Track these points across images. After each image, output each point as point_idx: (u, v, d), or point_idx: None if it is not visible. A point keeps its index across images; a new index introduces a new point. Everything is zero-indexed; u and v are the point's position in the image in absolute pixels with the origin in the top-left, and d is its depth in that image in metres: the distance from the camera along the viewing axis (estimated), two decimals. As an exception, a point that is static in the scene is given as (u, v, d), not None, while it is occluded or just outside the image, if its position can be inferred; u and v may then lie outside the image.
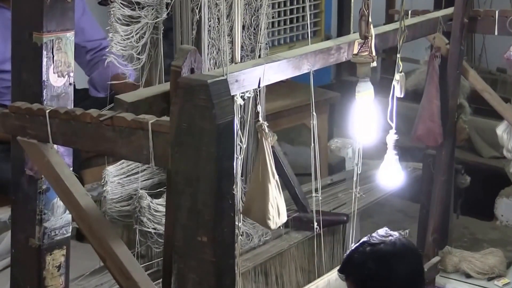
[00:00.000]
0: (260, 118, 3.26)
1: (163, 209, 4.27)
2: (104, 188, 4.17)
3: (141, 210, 4.23)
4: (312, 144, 4.19)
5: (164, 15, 3.90)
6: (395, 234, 2.86)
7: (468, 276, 5.60)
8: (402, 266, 2.76)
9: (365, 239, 2.87)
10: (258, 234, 5.02)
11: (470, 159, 7.61)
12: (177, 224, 2.50)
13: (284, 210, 3.42)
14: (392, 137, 3.88)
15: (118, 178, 4.22)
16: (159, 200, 4.29)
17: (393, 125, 3.86)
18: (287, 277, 5.27)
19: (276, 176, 3.34)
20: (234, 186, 2.43)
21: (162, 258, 3.89)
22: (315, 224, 4.52)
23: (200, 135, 2.40)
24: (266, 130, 3.21)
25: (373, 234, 2.87)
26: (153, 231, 4.27)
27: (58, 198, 3.06)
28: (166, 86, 2.79)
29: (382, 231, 2.88)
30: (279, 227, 5.07)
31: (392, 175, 3.96)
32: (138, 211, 4.24)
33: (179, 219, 2.48)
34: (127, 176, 4.27)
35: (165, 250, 3.13)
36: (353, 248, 2.89)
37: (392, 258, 2.76)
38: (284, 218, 3.41)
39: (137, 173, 4.32)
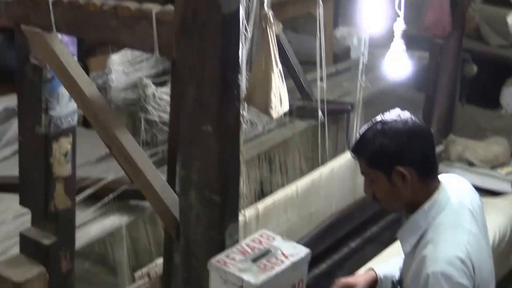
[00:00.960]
0: (265, 7, 3.22)
1: (167, 97, 4.28)
2: (109, 76, 4.17)
3: (146, 98, 4.25)
4: (318, 33, 4.16)
5: None
6: (407, 113, 2.85)
7: (472, 164, 5.63)
8: (413, 143, 2.75)
9: (377, 118, 2.86)
10: (262, 122, 5.05)
11: (478, 48, 7.53)
12: (182, 113, 2.50)
13: (286, 99, 3.42)
14: (399, 26, 3.85)
15: (122, 66, 4.22)
16: (164, 88, 4.29)
17: (401, 13, 3.82)
18: (290, 164, 5.32)
19: (280, 65, 3.33)
20: (239, 76, 2.43)
21: (167, 146, 3.93)
22: (319, 112, 4.53)
23: (205, 24, 2.37)
24: (271, 19, 3.17)
25: (385, 114, 2.86)
26: (157, 119, 4.29)
27: (63, 87, 3.06)
28: (170, -26, 2.75)
29: (394, 111, 2.87)
30: (283, 115, 5.11)
31: (398, 65, 3.94)
32: (143, 100, 4.25)
33: (184, 108, 2.48)
34: (132, 64, 4.26)
35: (170, 138, 3.16)
36: (365, 128, 2.88)
37: (403, 134, 2.75)
38: (286, 107, 3.42)
39: (141, 61, 4.31)
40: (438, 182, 2.87)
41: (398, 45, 3.89)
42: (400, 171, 2.76)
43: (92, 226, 4.12)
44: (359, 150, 2.88)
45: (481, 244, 2.81)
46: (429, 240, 2.77)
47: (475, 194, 3.00)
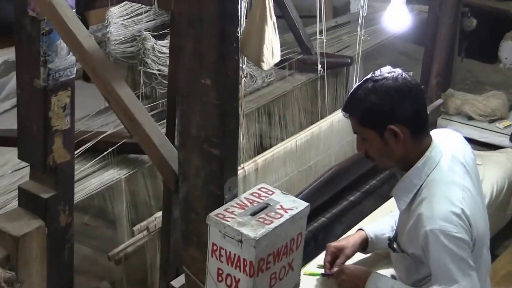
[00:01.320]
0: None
1: (167, 50, 4.25)
2: (108, 30, 4.15)
3: (145, 51, 4.22)
4: (318, -15, 4.14)
5: None
6: (398, 70, 2.83)
7: (470, 118, 5.65)
8: (405, 100, 2.74)
9: (368, 76, 2.85)
10: (262, 76, 5.03)
11: (477, 1, 7.49)
12: (181, 66, 2.48)
13: (279, 51, 3.40)
14: (398, -21, 3.83)
15: (121, 19, 4.19)
16: (163, 41, 4.27)
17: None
18: (290, 118, 5.32)
19: (274, 17, 3.30)
20: (238, 29, 2.41)
21: (166, 99, 3.92)
22: (319, 66, 4.51)
23: (203, -25, 2.35)
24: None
25: (376, 72, 2.85)
26: (157, 72, 4.27)
27: (62, 40, 3.04)
28: None
29: (385, 68, 2.85)
30: (283, 68, 5.10)
31: (398, 18, 3.92)
32: (142, 53, 4.23)
33: (182, 61, 2.46)
34: (131, 17, 4.23)
35: (169, 92, 3.15)
36: (356, 85, 2.87)
37: (393, 91, 2.74)
38: (277, 59, 3.40)
39: (140, 13, 4.27)
40: (430, 138, 2.87)
41: (398, -2, 3.87)
42: (393, 129, 2.76)
43: (91, 180, 4.11)
44: (350, 109, 2.87)
45: (475, 198, 2.83)
46: (424, 198, 2.79)
47: (468, 147, 3.01)
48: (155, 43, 4.23)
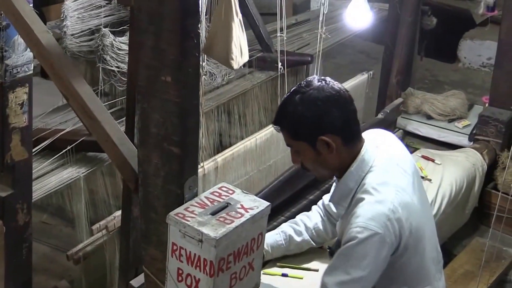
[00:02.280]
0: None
1: (126, 47, 4.21)
2: (64, 23, 4.09)
3: (104, 48, 4.17)
4: (278, -18, 4.12)
5: None
6: (326, 79, 2.82)
7: (430, 117, 5.68)
8: (332, 110, 2.72)
9: (295, 87, 2.83)
10: (221, 74, 5.01)
11: (436, 0, 7.55)
12: (140, 63, 2.44)
13: (247, 50, 3.38)
14: (360, -23, 3.83)
15: (77, 13, 4.13)
16: (122, 38, 4.22)
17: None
18: (249, 117, 5.30)
19: (240, 15, 3.29)
20: (199, 25, 2.38)
21: (125, 97, 3.87)
22: (279, 64, 4.50)
23: (164, -29, 2.32)
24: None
25: (302, 82, 2.83)
26: (116, 69, 4.23)
27: (19, 36, 2.99)
28: None
29: (312, 78, 2.83)
30: (242, 66, 5.08)
31: (360, 15, 3.91)
32: (101, 49, 4.18)
33: (143, 58, 2.42)
34: (87, 11, 4.18)
35: (128, 89, 3.10)
36: (284, 98, 2.85)
37: (320, 102, 2.72)
38: (246, 58, 3.38)
39: (98, 7, 4.22)
40: (363, 141, 2.86)
41: (360, -5, 3.87)
42: (324, 139, 2.75)
43: (49, 178, 4.06)
44: (280, 122, 2.85)
45: (411, 198, 2.81)
46: (358, 200, 2.78)
47: (400, 144, 3.02)
48: (114, 40, 4.18)
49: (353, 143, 2.82)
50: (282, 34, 4.32)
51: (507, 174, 4.67)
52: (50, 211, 4.76)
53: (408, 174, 2.87)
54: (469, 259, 4.40)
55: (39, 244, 4.34)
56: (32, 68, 3.15)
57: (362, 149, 2.83)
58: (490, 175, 4.90)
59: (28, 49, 3.04)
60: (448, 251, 4.48)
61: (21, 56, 3.08)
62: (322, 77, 2.82)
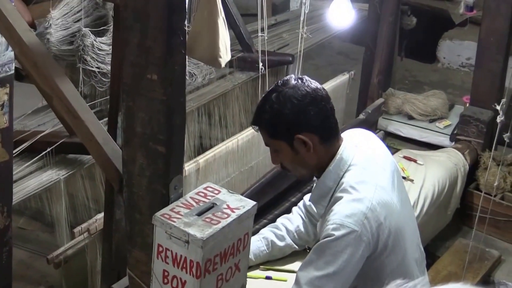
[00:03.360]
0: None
1: (107, 47, 4.17)
2: (48, 31, 4.06)
3: (84, 48, 4.13)
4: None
5: None
6: (304, 78, 2.81)
7: (411, 117, 5.68)
8: (309, 108, 2.72)
9: (272, 87, 2.83)
10: (202, 74, 4.97)
11: (414, 0, 7.57)
12: (126, 61, 2.40)
13: (229, 47, 3.35)
14: (343, -24, 3.80)
15: (61, 20, 4.10)
16: (103, 38, 4.17)
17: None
18: (230, 118, 5.27)
19: (223, 13, 3.25)
20: (186, 22, 2.34)
21: (106, 98, 3.83)
22: (260, 64, 4.47)
23: (149, -33, 2.28)
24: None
25: (279, 81, 2.83)
26: (97, 70, 4.18)
27: (0, 35, 2.93)
28: None
29: (288, 77, 2.83)
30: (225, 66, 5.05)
31: (342, 15, 3.89)
32: (82, 50, 4.14)
33: (128, 56, 2.38)
34: (70, 16, 4.15)
35: (112, 88, 3.06)
36: (262, 97, 2.84)
37: (297, 100, 2.72)
38: (229, 56, 3.35)
39: (79, 11, 4.19)
40: (341, 140, 2.85)
41: (342, -5, 3.84)
42: (301, 138, 2.75)
43: (28, 181, 4.00)
44: (258, 121, 2.85)
45: (391, 196, 2.80)
46: (337, 198, 2.78)
47: (381, 144, 3.00)
48: (95, 40, 4.14)
49: (331, 141, 2.82)
50: (263, 34, 4.29)
51: (489, 175, 4.66)
52: (28, 215, 4.70)
53: (388, 173, 2.87)
54: (453, 260, 4.40)
55: (15, 249, 4.27)
56: (14, 68, 3.09)
57: (340, 148, 2.83)
58: (471, 175, 4.89)
59: (9, 49, 2.98)
60: (431, 252, 4.47)
61: (2, 56, 3.02)
62: (299, 76, 2.81)
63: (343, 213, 2.69)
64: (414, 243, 2.97)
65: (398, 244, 2.82)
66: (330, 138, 2.81)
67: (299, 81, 2.78)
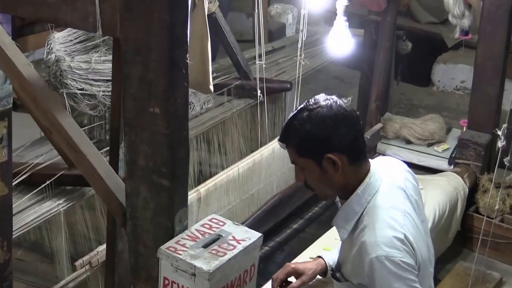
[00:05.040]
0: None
1: (86, 65, 4.16)
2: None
3: (62, 73, 4.11)
4: (256, 9, 4.10)
5: None
6: (333, 98, 2.81)
7: (409, 142, 5.67)
8: (341, 128, 2.72)
9: (302, 105, 2.82)
10: (200, 102, 4.97)
11: (408, 25, 7.59)
12: (127, 95, 2.39)
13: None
14: (342, 2, 3.81)
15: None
16: (83, 56, 4.17)
17: (341, -10, 3.78)
18: (229, 145, 5.26)
19: (209, 40, 3.25)
20: (187, 55, 2.33)
21: (100, 123, 3.80)
22: (259, 91, 4.47)
23: (151, 0, 2.27)
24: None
25: (310, 100, 2.82)
26: (79, 92, 4.17)
27: (-2, 69, 2.92)
28: None
29: (319, 96, 2.83)
30: (221, 94, 5.05)
31: (341, 42, 3.90)
32: (60, 75, 4.12)
33: (129, 89, 2.37)
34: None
35: (112, 121, 3.05)
36: (291, 115, 2.84)
37: (329, 120, 2.72)
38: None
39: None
40: (369, 164, 2.85)
41: (341, 21, 3.85)
42: (330, 157, 2.73)
43: (28, 214, 3.97)
44: (286, 139, 2.83)
45: (416, 223, 2.80)
46: (365, 225, 2.75)
47: (409, 174, 2.99)
48: (71, 61, 4.12)
49: (359, 163, 2.80)
50: (261, 61, 4.29)
51: (489, 198, 4.65)
52: (26, 247, 4.66)
53: (412, 201, 2.85)
54: (455, 284, 4.38)
55: (14, 282, 4.24)
56: (12, 101, 3.07)
57: (370, 172, 2.81)
58: (471, 199, 4.88)
59: (8, 82, 2.97)
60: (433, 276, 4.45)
61: (0, 90, 3.01)
62: (330, 96, 2.80)
63: (383, 243, 2.65)
64: (430, 270, 2.96)
65: (424, 270, 2.80)
66: (359, 159, 2.79)
67: (331, 100, 2.78)
